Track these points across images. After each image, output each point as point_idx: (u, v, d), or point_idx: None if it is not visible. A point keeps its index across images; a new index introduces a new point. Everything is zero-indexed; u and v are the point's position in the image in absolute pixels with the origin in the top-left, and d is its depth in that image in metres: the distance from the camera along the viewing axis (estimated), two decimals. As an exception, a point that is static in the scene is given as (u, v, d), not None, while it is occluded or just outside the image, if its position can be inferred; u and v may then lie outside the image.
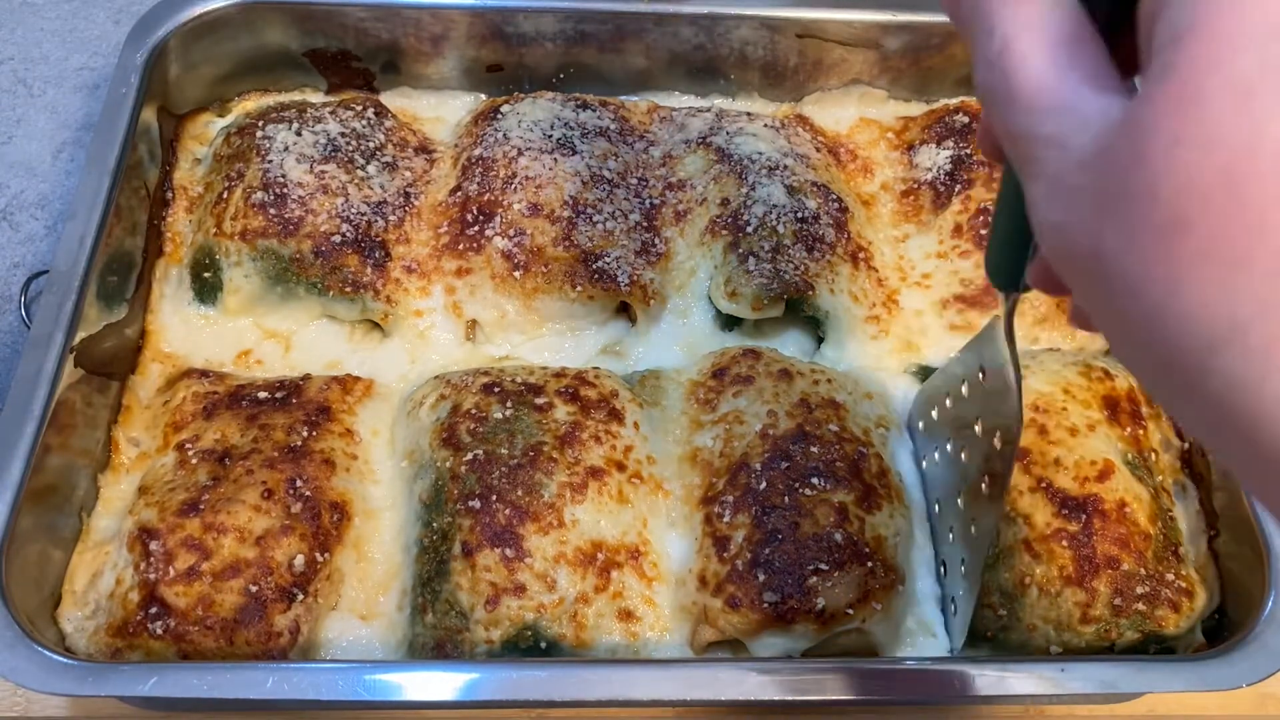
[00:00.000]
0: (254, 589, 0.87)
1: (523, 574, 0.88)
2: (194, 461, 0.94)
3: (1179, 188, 0.36)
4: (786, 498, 0.92)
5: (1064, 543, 0.91)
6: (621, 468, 0.95)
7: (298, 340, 1.09)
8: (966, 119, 1.21)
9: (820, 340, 1.10)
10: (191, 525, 0.88)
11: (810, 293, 1.07)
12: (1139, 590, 0.90)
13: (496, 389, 0.98)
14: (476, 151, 1.15)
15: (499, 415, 0.96)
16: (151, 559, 0.87)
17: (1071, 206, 0.41)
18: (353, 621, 0.91)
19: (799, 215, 1.10)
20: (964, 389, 0.90)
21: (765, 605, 0.88)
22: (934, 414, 0.97)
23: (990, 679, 0.83)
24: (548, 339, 1.10)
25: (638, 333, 1.10)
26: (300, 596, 0.88)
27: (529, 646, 0.87)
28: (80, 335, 0.95)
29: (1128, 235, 0.38)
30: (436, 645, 0.88)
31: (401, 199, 1.13)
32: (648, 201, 1.14)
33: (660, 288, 1.10)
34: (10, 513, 0.85)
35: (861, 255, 1.12)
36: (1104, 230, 0.39)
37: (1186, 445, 1.01)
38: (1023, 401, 0.81)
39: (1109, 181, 0.39)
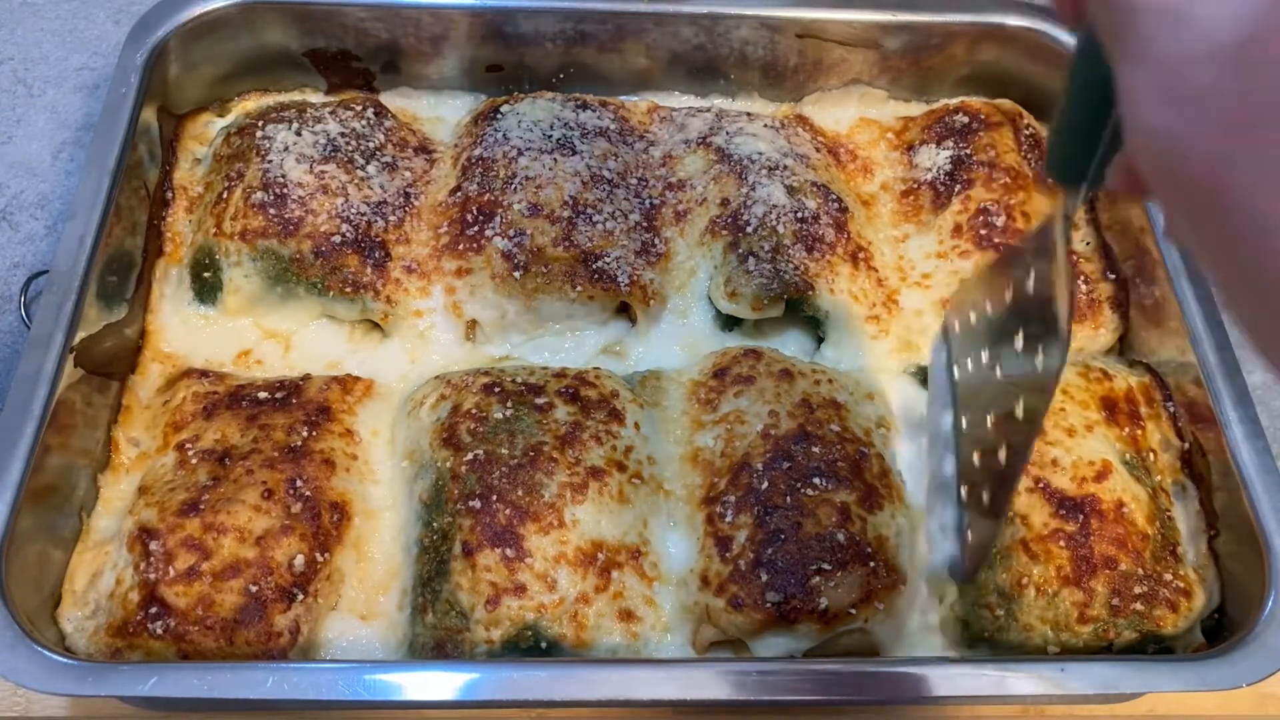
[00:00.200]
0: (254, 589, 0.87)
1: (523, 574, 0.88)
2: (194, 461, 0.94)
3: None
4: (788, 498, 0.92)
5: (1061, 543, 0.91)
6: (622, 468, 0.95)
7: (298, 340, 1.09)
8: (966, 119, 1.21)
9: (820, 340, 1.10)
10: (191, 525, 0.88)
11: (810, 293, 1.07)
12: (1137, 590, 0.90)
13: (497, 389, 0.98)
14: (476, 151, 1.15)
15: (499, 415, 0.96)
16: (151, 559, 0.87)
17: (1191, 111, 0.31)
18: (353, 621, 0.91)
19: (799, 215, 1.10)
20: (1008, 295, 0.78)
21: (768, 605, 0.88)
22: (972, 317, 0.84)
23: (990, 679, 0.83)
24: (548, 339, 1.10)
25: (638, 333, 1.10)
26: (300, 596, 0.88)
27: (529, 646, 0.87)
28: (80, 335, 0.95)
29: (1273, 170, 0.29)
30: (436, 645, 0.88)
31: (401, 199, 1.13)
32: (648, 201, 1.14)
33: (660, 288, 1.10)
34: (10, 513, 0.85)
35: (861, 255, 1.12)
36: (1236, 154, 0.30)
37: (1186, 445, 1.01)
38: (1072, 320, 0.71)
39: (1256, 85, 0.29)
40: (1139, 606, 0.90)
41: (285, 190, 1.08)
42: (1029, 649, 0.91)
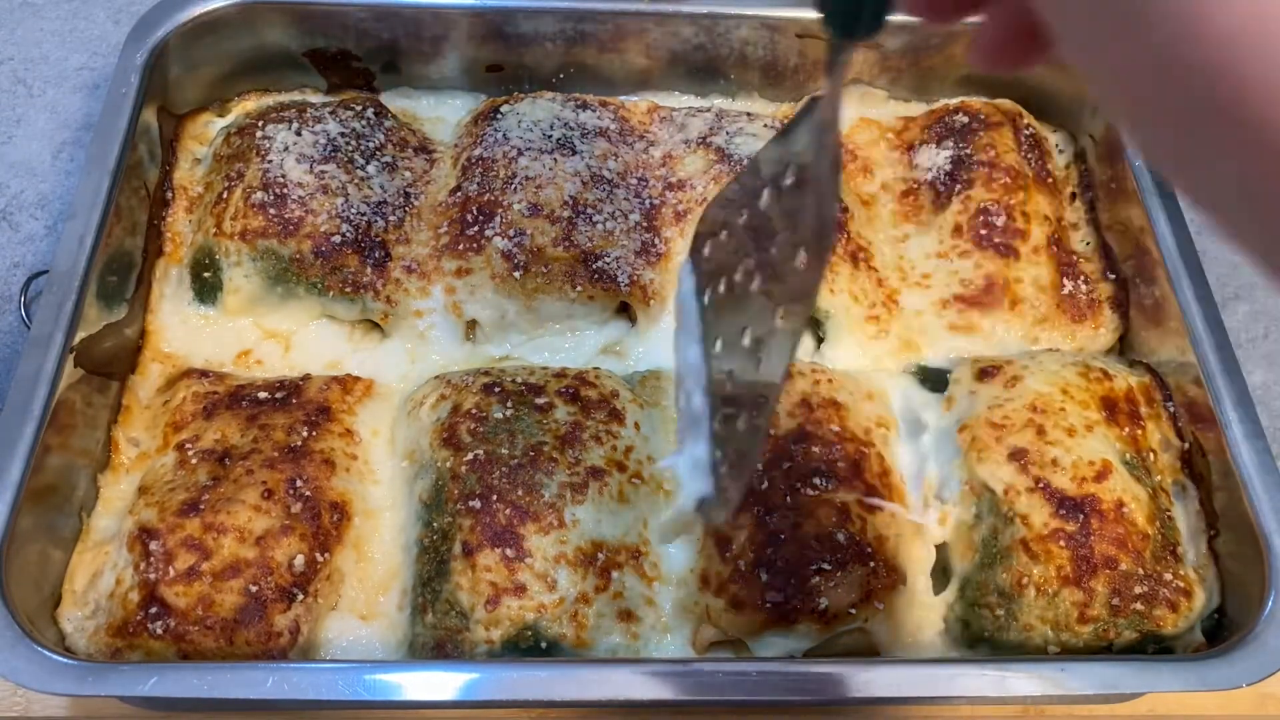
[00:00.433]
0: (254, 589, 0.87)
1: (523, 574, 0.88)
2: (194, 461, 0.94)
3: None
4: (788, 498, 0.92)
5: (1061, 543, 0.91)
6: (622, 468, 0.95)
7: (298, 340, 1.09)
8: (966, 119, 1.21)
9: (820, 340, 1.10)
10: (191, 525, 0.88)
11: (810, 293, 1.07)
12: (1137, 590, 0.90)
13: (497, 389, 0.98)
14: (476, 151, 1.15)
15: (499, 415, 0.96)
16: (151, 559, 0.87)
17: None
18: (353, 621, 0.91)
19: (799, 215, 1.10)
20: (765, 196, 0.67)
21: (768, 605, 0.88)
22: (723, 233, 0.71)
23: (990, 679, 0.83)
24: (548, 339, 1.10)
25: (638, 333, 1.10)
26: (300, 596, 0.88)
27: (529, 646, 0.87)
28: (80, 335, 0.95)
29: None
30: (436, 645, 0.88)
31: (401, 199, 1.13)
32: (648, 201, 1.14)
33: (660, 288, 1.10)
34: (10, 513, 0.85)
35: (861, 255, 1.12)
36: None
37: (1186, 445, 1.01)
38: (839, 193, 0.62)
39: None
40: (1139, 606, 0.90)
41: (285, 190, 1.08)
42: (1029, 649, 0.91)
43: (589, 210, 1.10)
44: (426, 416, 0.99)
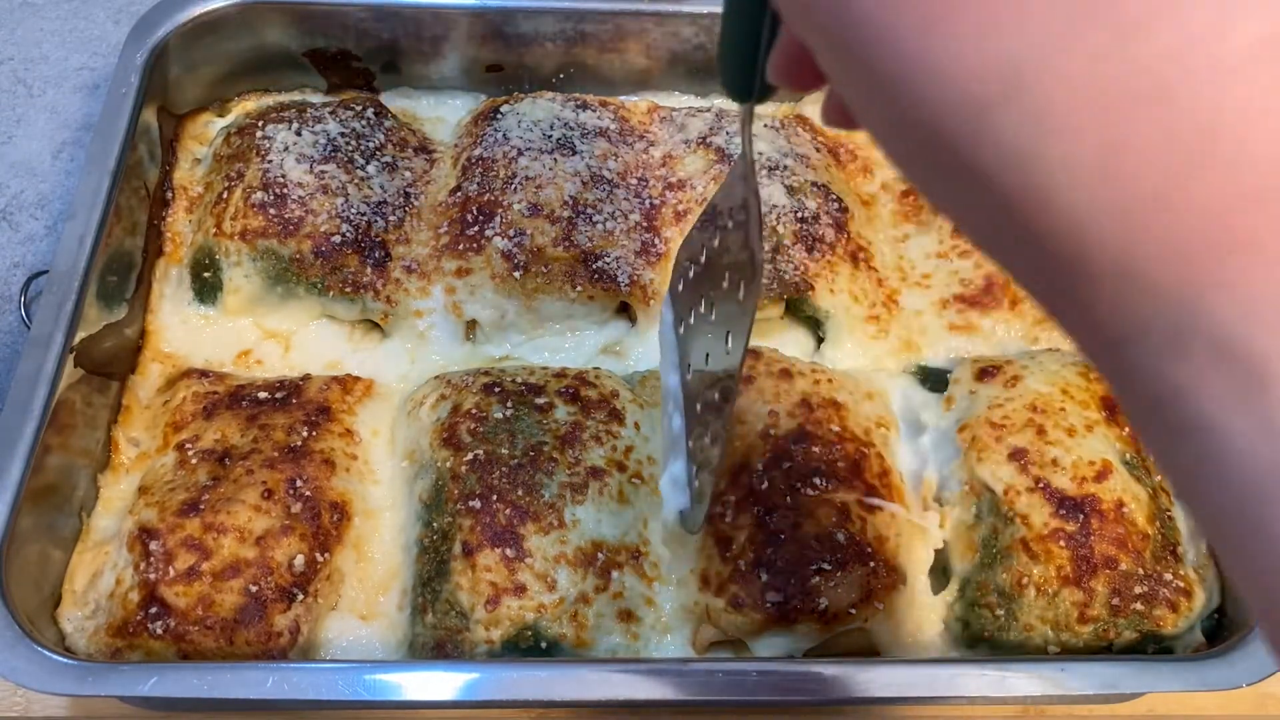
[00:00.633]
0: (254, 589, 0.87)
1: (523, 574, 0.88)
2: (194, 461, 0.94)
3: None
4: (788, 498, 0.92)
5: (1062, 543, 0.91)
6: (622, 468, 0.95)
7: (298, 340, 1.09)
8: (966, 119, 1.21)
9: (820, 340, 1.10)
10: (191, 525, 0.88)
11: (810, 293, 1.07)
12: (1137, 590, 0.90)
13: (497, 389, 0.98)
14: (476, 151, 1.15)
15: (499, 415, 0.96)
16: (151, 559, 0.87)
17: None
18: (353, 621, 0.91)
19: (799, 215, 1.10)
20: (716, 240, 0.76)
21: (768, 605, 0.88)
22: (690, 273, 0.81)
23: (990, 679, 0.83)
24: (548, 339, 1.10)
25: (638, 333, 1.10)
26: (300, 596, 0.88)
27: (529, 646, 0.87)
28: (80, 335, 0.95)
29: None
30: (436, 645, 0.88)
31: (401, 199, 1.13)
32: (648, 201, 1.14)
33: (660, 288, 1.10)
34: (10, 513, 0.85)
35: (861, 255, 1.12)
36: None
37: (1186, 445, 1.01)
38: (763, 236, 0.69)
39: None
40: (1139, 606, 0.90)
41: (285, 190, 1.08)
42: (1029, 649, 0.91)
43: (589, 210, 1.10)
44: (426, 416, 0.99)
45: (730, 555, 0.91)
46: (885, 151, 0.36)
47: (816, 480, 0.93)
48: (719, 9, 0.60)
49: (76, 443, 0.94)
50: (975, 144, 0.30)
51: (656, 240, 1.12)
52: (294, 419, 0.97)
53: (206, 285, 1.08)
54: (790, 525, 0.91)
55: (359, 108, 1.18)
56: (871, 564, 0.90)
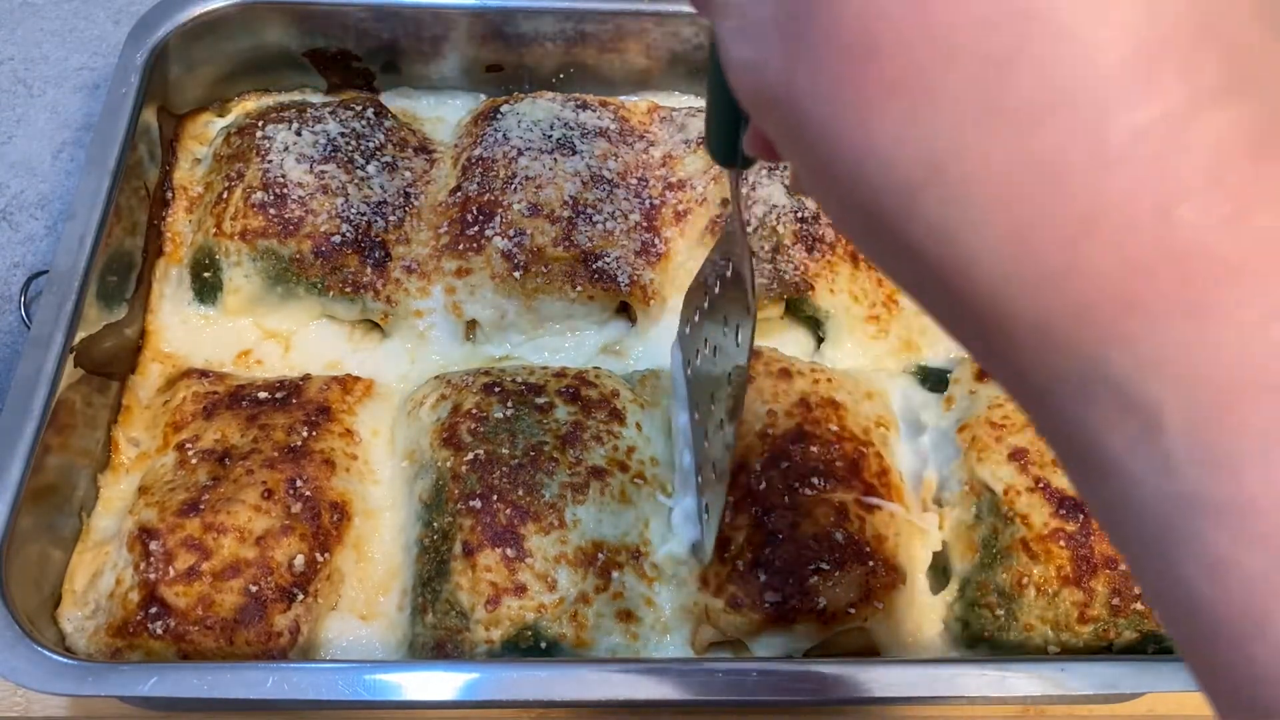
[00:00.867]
0: (254, 589, 0.87)
1: (523, 574, 0.88)
2: (194, 461, 0.94)
3: (862, 8, 0.32)
4: (787, 498, 0.92)
5: (1062, 543, 0.91)
6: (624, 468, 0.95)
7: (298, 340, 1.09)
8: (966, 119, 1.21)
9: (820, 340, 1.11)
10: (191, 525, 0.88)
11: (810, 293, 1.07)
12: (1137, 590, 0.90)
13: (497, 389, 0.98)
14: (476, 151, 1.15)
15: (500, 415, 0.96)
16: (151, 559, 0.87)
17: (761, 41, 0.36)
18: (353, 621, 0.92)
19: (799, 215, 1.10)
20: (717, 288, 0.83)
21: (767, 605, 0.88)
22: (696, 317, 0.90)
23: (990, 679, 0.83)
24: (548, 339, 1.10)
25: (638, 333, 1.10)
26: (300, 596, 0.88)
27: (529, 646, 0.87)
28: (80, 335, 0.95)
29: (815, 68, 0.34)
30: (436, 645, 0.88)
31: (401, 199, 1.13)
32: (648, 201, 1.14)
33: (660, 288, 1.10)
34: (10, 513, 0.85)
35: (861, 255, 1.12)
36: (796, 66, 0.35)
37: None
38: (755, 287, 0.75)
39: (796, 6, 0.34)
40: (1140, 606, 0.90)
41: (285, 190, 1.08)
42: (1029, 649, 0.91)
43: (589, 210, 1.10)
44: (426, 416, 0.99)
45: (729, 555, 0.91)
46: (834, 224, 0.40)
47: (815, 480, 0.93)
48: (719, 9, 0.61)
49: (76, 443, 0.94)
50: (907, 221, 0.34)
51: (656, 240, 1.12)
52: (294, 419, 0.97)
53: (206, 285, 1.08)
54: (788, 525, 0.91)
55: (359, 108, 1.18)
56: (870, 563, 0.90)
